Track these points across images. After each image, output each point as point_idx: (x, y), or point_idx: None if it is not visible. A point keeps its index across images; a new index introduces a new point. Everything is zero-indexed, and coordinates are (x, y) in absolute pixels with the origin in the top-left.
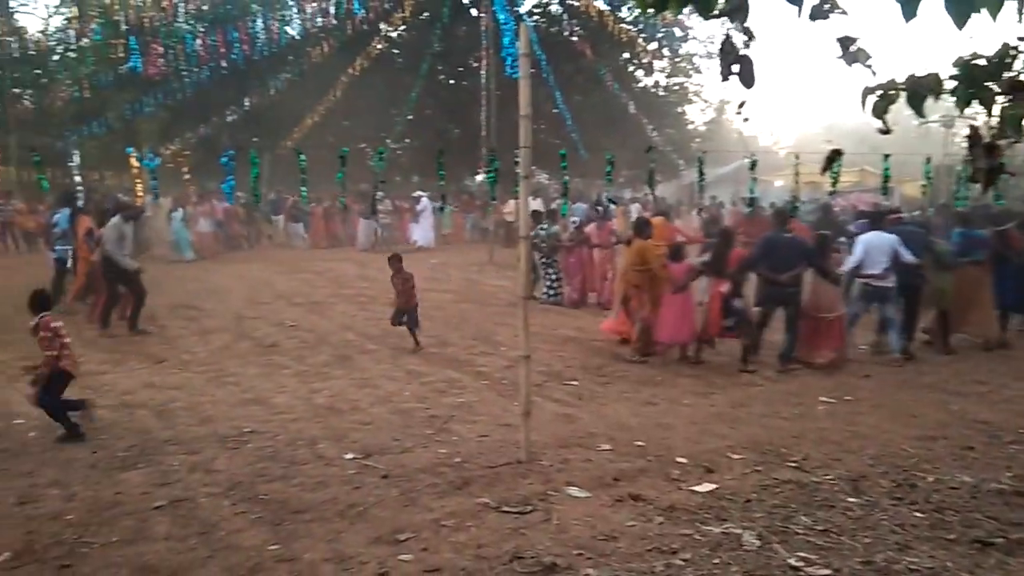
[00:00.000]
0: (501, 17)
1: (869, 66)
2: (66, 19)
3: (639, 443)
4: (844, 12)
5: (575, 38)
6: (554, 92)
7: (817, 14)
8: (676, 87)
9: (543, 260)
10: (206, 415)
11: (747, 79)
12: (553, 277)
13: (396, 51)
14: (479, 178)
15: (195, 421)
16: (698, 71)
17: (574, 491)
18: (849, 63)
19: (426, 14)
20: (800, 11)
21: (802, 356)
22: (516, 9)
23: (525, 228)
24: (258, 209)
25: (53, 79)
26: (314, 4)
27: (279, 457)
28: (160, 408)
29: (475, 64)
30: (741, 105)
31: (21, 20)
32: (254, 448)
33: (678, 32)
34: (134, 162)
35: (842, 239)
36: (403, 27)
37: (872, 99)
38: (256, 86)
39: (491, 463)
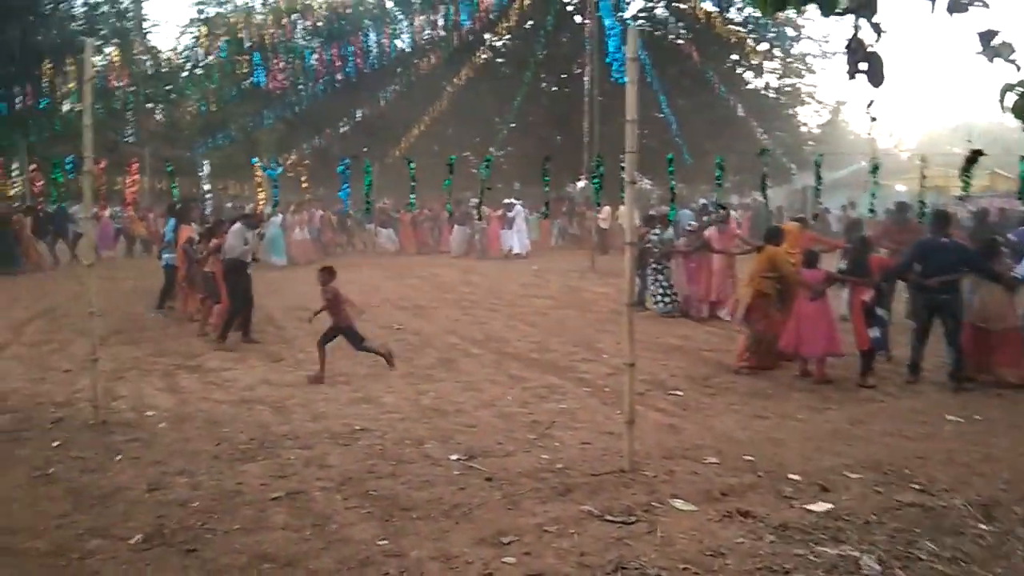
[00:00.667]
0: (607, 22)
1: (1013, 61)
2: (194, 37)
3: (748, 457)
4: (985, 4)
5: (680, 41)
6: (659, 96)
7: (955, 7)
8: (788, 88)
9: (654, 267)
10: (319, 412)
11: (876, 78)
12: (665, 284)
13: (499, 60)
14: (580, 184)
15: (309, 418)
16: (811, 71)
17: (679, 504)
18: (990, 58)
19: (530, 22)
20: (934, 5)
21: (973, 372)
22: (621, 14)
23: (631, 234)
24: (351, 216)
25: (182, 94)
26: (422, 17)
27: (388, 455)
28: (277, 404)
29: (578, 71)
30: (869, 104)
31: (153, 39)
32: (364, 445)
33: (790, 32)
34: (258, 171)
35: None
36: (507, 36)
37: (1012, 96)
38: (366, 98)
39: (594, 471)
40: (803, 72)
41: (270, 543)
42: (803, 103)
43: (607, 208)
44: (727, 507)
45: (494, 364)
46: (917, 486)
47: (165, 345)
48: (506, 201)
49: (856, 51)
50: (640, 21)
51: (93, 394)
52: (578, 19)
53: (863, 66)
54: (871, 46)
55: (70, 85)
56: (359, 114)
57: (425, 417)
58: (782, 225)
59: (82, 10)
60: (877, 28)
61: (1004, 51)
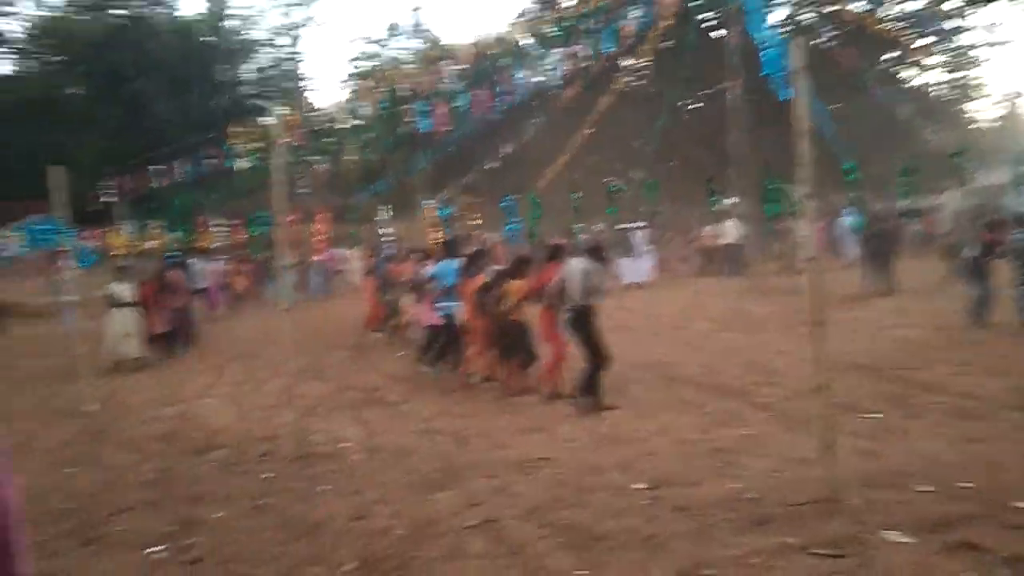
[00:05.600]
0: (762, 35)
1: None
2: (352, 91)
3: (964, 484)
4: None
5: (828, 45)
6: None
7: None
8: (950, 82)
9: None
10: (498, 442)
11: None
12: None
13: (637, 83)
14: (727, 201)
15: (489, 447)
16: (976, 64)
17: (893, 536)
18: None
19: (664, 43)
20: None
21: None
22: (766, 25)
23: (812, 248)
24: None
25: (342, 145)
26: (563, 50)
27: (570, 484)
28: (457, 434)
29: (719, 85)
30: None
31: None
32: (547, 474)
33: (950, 24)
34: (432, 212)
35: None
36: (648, 59)
37: None
38: (507, 134)
39: (789, 500)
40: (970, 65)
41: (473, 571)
42: (971, 98)
43: (709, 227)
44: (948, 539)
45: (664, 389)
46: None
47: (348, 380)
48: (619, 227)
49: None
50: (784, 30)
51: (295, 428)
52: (713, 35)
53: None
54: None
55: (253, 145)
56: (503, 151)
57: (602, 446)
58: None
59: (252, 75)
60: None
61: None
